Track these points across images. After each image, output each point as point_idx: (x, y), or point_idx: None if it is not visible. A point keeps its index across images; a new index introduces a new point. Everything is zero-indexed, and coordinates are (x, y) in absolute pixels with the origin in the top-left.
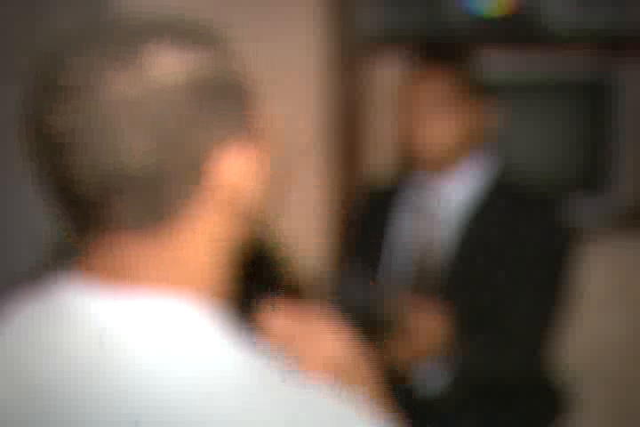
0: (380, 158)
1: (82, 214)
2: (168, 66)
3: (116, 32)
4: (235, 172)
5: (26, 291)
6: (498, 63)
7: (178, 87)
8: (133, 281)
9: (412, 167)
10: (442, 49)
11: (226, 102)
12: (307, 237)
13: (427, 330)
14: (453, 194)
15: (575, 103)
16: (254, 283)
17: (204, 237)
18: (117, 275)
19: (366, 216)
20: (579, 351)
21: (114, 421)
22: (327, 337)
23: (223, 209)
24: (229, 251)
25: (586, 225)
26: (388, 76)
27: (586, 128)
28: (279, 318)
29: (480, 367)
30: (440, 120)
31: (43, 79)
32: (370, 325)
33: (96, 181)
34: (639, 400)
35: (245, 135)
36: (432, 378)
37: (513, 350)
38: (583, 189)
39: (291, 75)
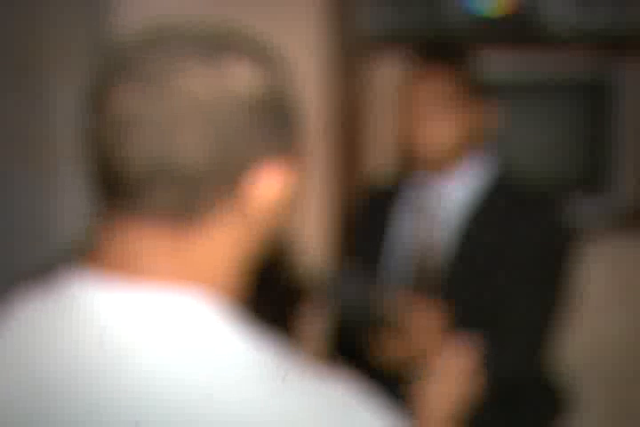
0: (379, 158)
1: (117, 197)
2: (244, 77)
3: (196, 35)
4: (269, 187)
5: (34, 285)
6: (498, 63)
7: (246, 99)
8: (145, 276)
9: (412, 167)
10: (442, 49)
11: (277, 120)
12: (307, 236)
13: (425, 329)
14: (453, 194)
15: (575, 103)
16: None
17: (224, 242)
18: (130, 269)
19: (366, 216)
20: (579, 351)
21: (117, 418)
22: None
23: (249, 220)
24: (245, 261)
25: (586, 225)
26: (387, 76)
27: (586, 128)
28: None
29: (480, 367)
30: (440, 120)
31: (121, 61)
32: (370, 324)
33: (143, 164)
34: (639, 400)
35: (286, 154)
36: None
37: (513, 350)
38: (583, 189)
39: (291, 75)
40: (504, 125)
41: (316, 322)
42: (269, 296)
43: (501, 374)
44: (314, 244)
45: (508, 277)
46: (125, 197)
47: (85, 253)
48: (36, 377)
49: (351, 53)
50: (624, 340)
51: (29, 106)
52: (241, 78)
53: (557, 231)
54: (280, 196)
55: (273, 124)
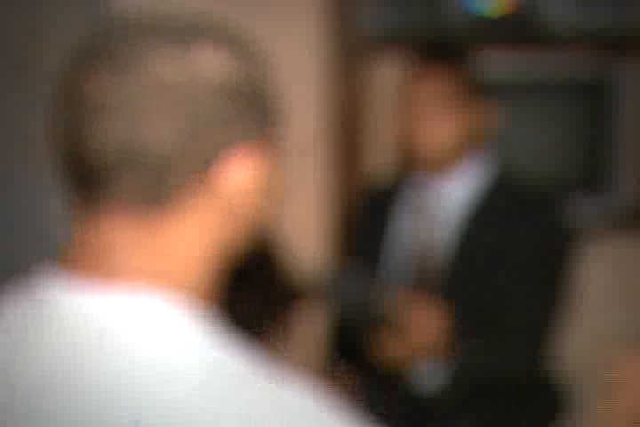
0: (380, 158)
1: (87, 188)
2: (215, 64)
3: (171, 23)
4: (241, 175)
5: (10, 289)
6: (498, 63)
7: (218, 85)
8: (115, 273)
9: (412, 167)
10: (442, 49)
11: (251, 108)
12: (307, 236)
13: (426, 329)
14: (453, 194)
15: (575, 103)
16: (255, 284)
17: (196, 231)
18: (100, 266)
19: (366, 216)
20: (579, 351)
21: (73, 420)
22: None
23: (221, 209)
24: (220, 252)
25: (586, 225)
26: (387, 76)
27: (586, 128)
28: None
29: (480, 367)
30: (440, 120)
31: (90, 45)
32: (370, 324)
33: (111, 149)
34: None
35: (260, 143)
36: (431, 377)
37: (513, 350)
38: (583, 189)
39: (291, 75)
40: (504, 125)
41: (315, 322)
42: (266, 297)
43: (501, 373)
44: (314, 244)
45: (508, 277)
46: (95, 187)
47: (63, 251)
48: (13, 378)
49: (351, 53)
50: (624, 340)
51: (29, 106)
52: (213, 64)
53: (557, 231)
54: (253, 184)
55: (246, 111)
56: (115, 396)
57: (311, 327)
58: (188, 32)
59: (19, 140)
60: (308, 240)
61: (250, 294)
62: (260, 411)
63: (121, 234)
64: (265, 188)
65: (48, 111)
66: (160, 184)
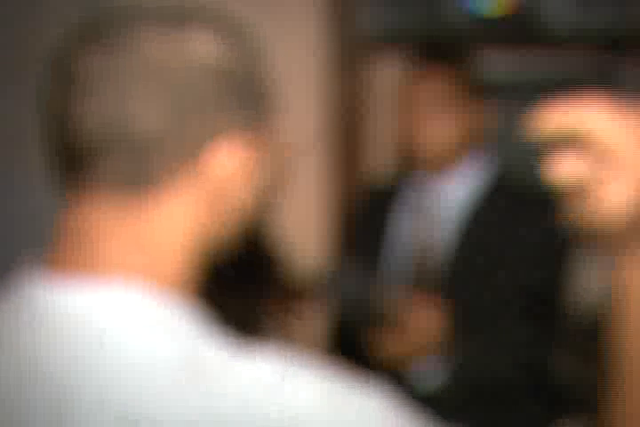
0: (379, 158)
1: (72, 167)
2: (207, 49)
3: (163, 9)
4: (229, 165)
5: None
6: (498, 63)
7: (209, 69)
8: (97, 266)
9: (412, 167)
10: (442, 49)
11: (243, 97)
12: (307, 236)
13: (425, 329)
14: (453, 194)
15: None
16: (254, 282)
17: (180, 218)
18: (83, 258)
19: (366, 216)
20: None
21: (64, 419)
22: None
23: (207, 198)
24: (204, 243)
25: None
26: (388, 76)
27: None
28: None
29: (480, 367)
30: (440, 120)
31: (81, 28)
32: (369, 324)
33: (96, 130)
34: None
35: (251, 133)
36: (430, 377)
37: (513, 350)
38: None
39: (291, 74)
40: (504, 125)
41: (315, 321)
42: (267, 296)
43: (501, 373)
44: (314, 244)
45: (508, 277)
46: (80, 170)
47: (49, 243)
48: None
49: (351, 53)
50: None
51: (29, 106)
52: (204, 49)
53: (557, 231)
54: (243, 173)
55: (237, 98)
56: (107, 391)
57: (311, 327)
58: (181, 16)
59: (19, 140)
60: (308, 240)
61: (250, 294)
62: (253, 403)
63: (103, 220)
64: (256, 178)
65: (40, 97)
66: (144, 167)
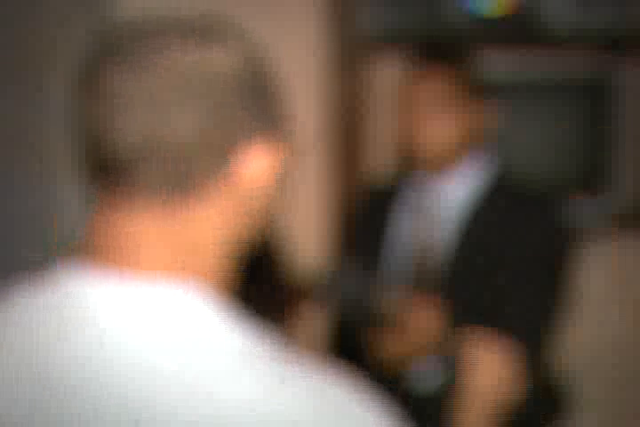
0: (379, 158)
1: (108, 179)
2: (227, 58)
3: (180, 23)
4: (258, 167)
5: (29, 280)
6: (498, 63)
7: (235, 78)
8: (136, 264)
9: (412, 167)
10: (442, 49)
11: (262, 103)
12: (307, 236)
13: (425, 329)
14: (453, 194)
15: (575, 103)
16: (255, 283)
17: (217, 220)
18: (121, 257)
19: (366, 216)
20: (579, 351)
21: (117, 416)
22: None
23: (239, 201)
24: (236, 243)
25: (586, 225)
26: (388, 76)
27: (586, 128)
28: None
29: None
30: (440, 120)
31: (106, 44)
32: (369, 324)
33: (134, 142)
34: (639, 400)
35: (273, 135)
36: (430, 377)
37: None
38: (583, 189)
39: (291, 75)
40: (504, 125)
41: (315, 322)
42: (267, 296)
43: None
44: (314, 243)
45: (508, 277)
46: (116, 179)
47: (81, 243)
48: (33, 376)
49: (351, 53)
50: (624, 340)
51: (29, 106)
52: (226, 60)
53: (557, 231)
54: (269, 175)
55: (259, 104)
56: (148, 387)
57: (311, 327)
58: (201, 31)
59: (19, 140)
60: (308, 240)
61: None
62: (299, 402)
63: (143, 224)
64: (277, 181)
65: (63, 111)
66: (183, 174)
